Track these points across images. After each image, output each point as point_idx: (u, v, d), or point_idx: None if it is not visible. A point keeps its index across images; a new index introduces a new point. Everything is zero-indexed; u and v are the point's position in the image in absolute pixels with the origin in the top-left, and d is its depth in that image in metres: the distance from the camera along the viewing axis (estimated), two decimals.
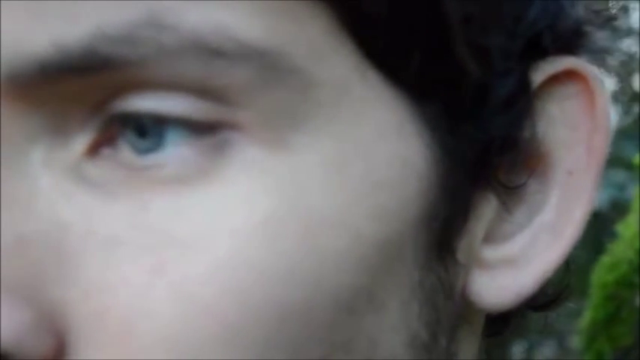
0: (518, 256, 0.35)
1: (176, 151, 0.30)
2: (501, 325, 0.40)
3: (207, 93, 0.30)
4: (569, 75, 0.36)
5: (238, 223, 0.30)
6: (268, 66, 0.30)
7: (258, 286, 0.30)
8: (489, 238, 0.36)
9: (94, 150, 0.31)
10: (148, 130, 0.30)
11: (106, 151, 0.31)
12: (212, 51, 0.29)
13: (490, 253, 0.35)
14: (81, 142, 0.31)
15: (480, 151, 0.34)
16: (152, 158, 0.30)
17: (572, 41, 0.37)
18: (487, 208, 0.35)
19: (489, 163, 0.35)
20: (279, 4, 0.30)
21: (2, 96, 0.30)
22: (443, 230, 0.34)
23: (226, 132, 0.30)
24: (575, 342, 3.45)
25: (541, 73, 0.35)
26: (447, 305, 0.35)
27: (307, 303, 0.30)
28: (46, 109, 0.30)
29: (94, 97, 0.30)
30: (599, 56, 0.38)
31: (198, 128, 0.30)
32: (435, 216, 0.33)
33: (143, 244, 0.30)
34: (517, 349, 6.02)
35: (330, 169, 0.31)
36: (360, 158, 0.32)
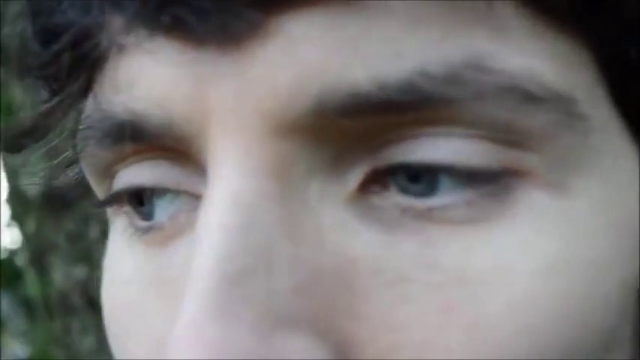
0: None
1: (454, 196, 0.30)
2: None
3: (504, 138, 0.30)
4: None
5: (528, 265, 0.30)
6: (563, 111, 0.30)
7: (547, 328, 0.30)
8: None
9: (364, 186, 0.31)
10: (421, 176, 0.31)
11: (375, 189, 0.31)
12: (524, 95, 0.30)
13: None
14: (354, 178, 0.31)
15: None
16: (425, 202, 0.31)
17: None
18: None
19: None
20: (567, 51, 0.31)
21: (298, 128, 0.30)
22: None
23: (510, 177, 0.30)
24: None
25: None
26: None
27: (583, 343, 0.31)
28: (330, 143, 0.31)
29: (382, 134, 0.30)
30: None
31: (481, 176, 0.30)
32: None
33: (433, 282, 0.30)
34: None
35: (598, 213, 0.32)
36: (620, 203, 0.32)
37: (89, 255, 1.99)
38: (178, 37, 0.31)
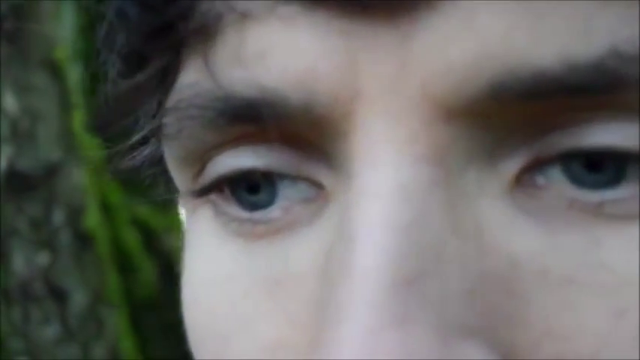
0: None
1: (630, 189, 0.27)
2: None
3: None
4: None
5: None
6: None
7: None
8: None
9: (521, 176, 0.28)
10: (596, 165, 0.28)
11: (534, 179, 0.28)
12: None
13: None
14: (512, 166, 0.28)
15: None
16: (597, 194, 0.27)
17: None
18: None
19: None
20: None
21: (467, 112, 0.27)
22: None
23: None
24: None
25: None
26: None
27: None
28: (493, 127, 0.28)
29: (552, 118, 0.27)
30: None
31: None
32: None
33: (601, 285, 0.27)
34: None
35: None
36: None
37: (52, 241, 1.97)
38: (326, 3, 0.27)
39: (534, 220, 0.28)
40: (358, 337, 0.26)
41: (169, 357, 2.26)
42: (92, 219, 2.02)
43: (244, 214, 0.32)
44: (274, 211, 0.31)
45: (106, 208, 2.11)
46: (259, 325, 0.31)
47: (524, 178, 0.28)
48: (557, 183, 0.28)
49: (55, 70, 1.98)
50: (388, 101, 0.27)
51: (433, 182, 0.28)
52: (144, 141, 0.37)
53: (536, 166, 0.28)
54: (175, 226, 2.33)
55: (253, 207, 0.32)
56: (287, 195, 0.31)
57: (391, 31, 0.27)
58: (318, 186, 0.31)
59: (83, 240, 2.01)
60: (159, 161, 0.37)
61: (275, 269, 0.31)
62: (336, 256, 0.28)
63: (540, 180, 0.28)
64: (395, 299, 0.26)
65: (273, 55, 0.28)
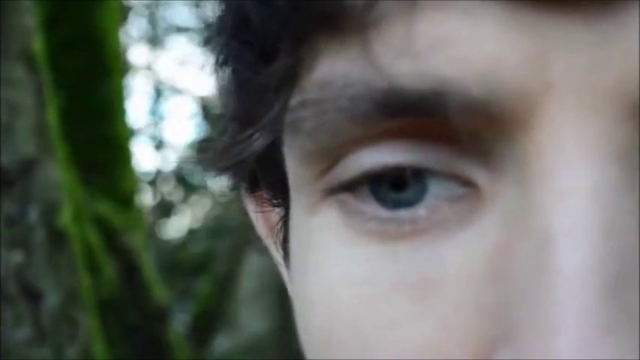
0: None
1: None
2: None
3: None
4: None
5: None
6: None
7: None
8: None
9: None
10: None
11: None
12: None
13: None
14: None
15: None
16: None
17: None
18: None
19: None
20: None
21: None
22: None
23: None
24: None
25: None
26: None
27: None
28: None
29: None
30: None
31: None
32: None
33: None
34: None
35: None
36: None
37: (27, 240, 1.92)
38: None
39: None
40: (574, 348, 0.25)
41: (130, 358, 2.23)
42: (66, 217, 1.97)
43: (385, 213, 0.31)
44: (420, 210, 0.30)
45: (73, 206, 2.06)
46: (405, 329, 0.30)
47: None
48: None
49: (31, 63, 1.93)
50: (581, 95, 0.27)
51: (623, 183, 0.27)
52: (250, 135, 0.35)
53: None
54: (136, 224, 2.30)
55: (396, 205, 0.30)
56: (436, 193, 0.30)
57: (585, 25, 0.26)
58: (468, 184, 0.30)
59: (57, 239, 1.96)
60: (260, 156, 0.36)
61: (424, 271, 0.30)
62: (520, 258, 0.27)
63: None
64: (603, 305, 0.26)
65: (452, 45, 0.27)
